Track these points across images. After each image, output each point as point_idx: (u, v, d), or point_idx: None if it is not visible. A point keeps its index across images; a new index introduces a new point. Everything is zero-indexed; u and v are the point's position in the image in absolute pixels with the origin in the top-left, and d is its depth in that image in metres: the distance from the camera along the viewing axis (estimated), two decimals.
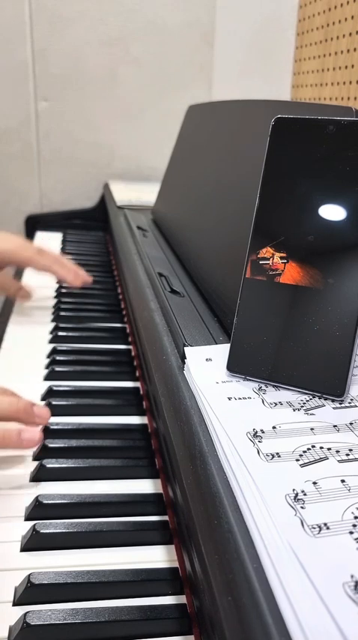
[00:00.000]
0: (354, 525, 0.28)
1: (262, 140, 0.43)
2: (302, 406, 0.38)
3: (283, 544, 0.27)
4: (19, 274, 1.08)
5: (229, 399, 0.39)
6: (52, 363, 0.72)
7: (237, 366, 0.42)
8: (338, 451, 0.33)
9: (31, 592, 0.40)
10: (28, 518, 0.48)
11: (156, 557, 0.45)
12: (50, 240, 1.33)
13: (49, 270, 0.86)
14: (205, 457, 0.34)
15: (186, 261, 0.73)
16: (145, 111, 1.46)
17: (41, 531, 0.45)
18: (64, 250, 1.24)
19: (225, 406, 0.38)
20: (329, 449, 0.33)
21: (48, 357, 0.74)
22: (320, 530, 0.27)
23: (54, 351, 0.75)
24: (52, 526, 0.46)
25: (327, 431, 0.35)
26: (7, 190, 1.47)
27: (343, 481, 0.31)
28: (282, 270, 0.41)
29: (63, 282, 0.90)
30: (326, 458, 0.33)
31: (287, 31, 1.09)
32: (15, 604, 0.40)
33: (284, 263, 0.41)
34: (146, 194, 1.22)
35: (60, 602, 0.40)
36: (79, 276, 0.88)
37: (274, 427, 0.36)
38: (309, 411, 0.37)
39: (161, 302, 0.59)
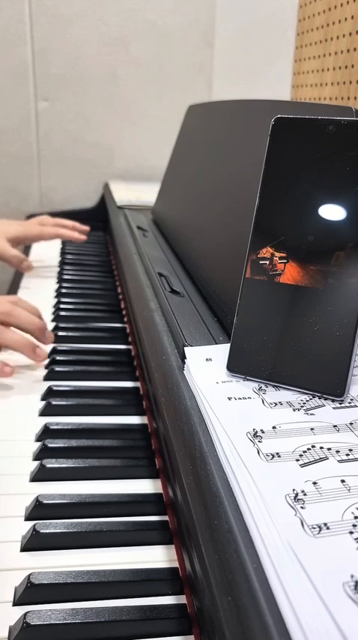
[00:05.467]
0: (354, 525, 0.28)
1: (262, 140, 0.43)
2: (302, 406, 0.38)
3: (283, 544, 0.27)
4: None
5: (229, 399, 0.39)
6: (52, 363, 0.72)
7: (237, 366, 0.42)
8: (338, 451, 0.33)
9: (31, 592, 0.40)
10: (28, 518, 0.48)
11: (156, 557, 0.45)
12: (50, 241, 1.33)
13: (56, 237, 1.07)
14: (205, 457, 0.34)
15: (186, 261, 0.73)
16: (145, 111, 1.46)
17: (41, 531, 0.45)
18: (64, 250, 1.24)
19: (225, 406, 0.38)
20: (329, 449, 0.33)
21: (48, 357, 0.74)
22: (320, 531, 0.27)
23: (54, 351, 0.75)
24: (52, 526, 0.46)
25: (327, 431, 0.35)
26: (7, 190, 1.47)
27: (343, 481, 0.31)
28: (282, 270, 0.41)
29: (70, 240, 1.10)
30: (326, 458, 0.33)
31: (287, 31, 1.09)
32: (15, 604, 0.40)
33: (284, 263, 0.41)
34: (146, 194, 1.22)
35: (60, 602, 0.40)
36: (80, 231, 1.10)
37: (274, 427, 0.36)
38: (309, 411, 0.37)
39: (161, 302, 0.59)
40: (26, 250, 1.26)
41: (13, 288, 1.02)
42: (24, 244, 1.10)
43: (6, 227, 1.04)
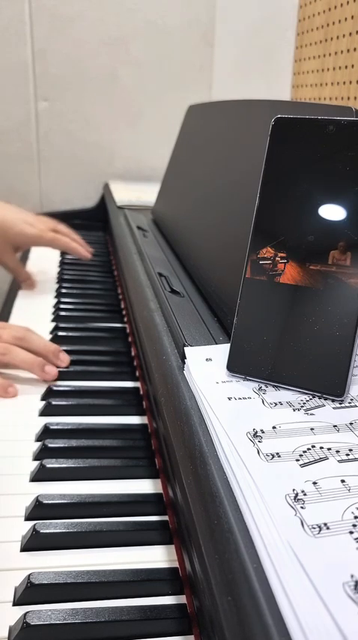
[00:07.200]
0: (354, 525, 0.28)
1: (262, 140, 0.43)
2: (302, 406, 0.38)
3: (283, 544, 0.27)
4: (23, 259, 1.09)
5: (229, 399, 0.39)
6: None
7: (237, 366, 0.42)
8: (338, 451, 0.33)
9: (31, 592, 0.40)
10: (28, 518, 0.48)
11: (156, 557, 0.45)
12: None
13: (66, 249, 1.02)
14: (205, 457, 0.34)
15: (186, 261, 0.73)
16: (145, 111, 1.46)
17: (41, 531, 0.45)
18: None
19: (225, 406, 0.38)
20: (329, 449, 0.33)
21: None
22: (320, 530, 0.27)
23: None
24: (52, 526, 0.46)
25: (327, 431, 0.35)
26: (7, 190, 1.47)
27: (343, 481, 0.31)
28: (282, 270, 0.41)
29: (76, 256, 1.06)
30: (326, 458, 0.33)
31: (287, 31, 1.09)
32: (15, 604, 0.40)
33: (284, 263, 0.41)
34: (146, 194, 1.22)
35: (60, 602, 0.40)
36: (87, 250, 1.06)
37: (274, 427, 0.36)
38: (309, 411, 0.37)
39: (161, 302, 0.59)
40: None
41: (13, 288, 1.02)
42: (35, 246, 1.07)
43: (21, 227, 0.97)
